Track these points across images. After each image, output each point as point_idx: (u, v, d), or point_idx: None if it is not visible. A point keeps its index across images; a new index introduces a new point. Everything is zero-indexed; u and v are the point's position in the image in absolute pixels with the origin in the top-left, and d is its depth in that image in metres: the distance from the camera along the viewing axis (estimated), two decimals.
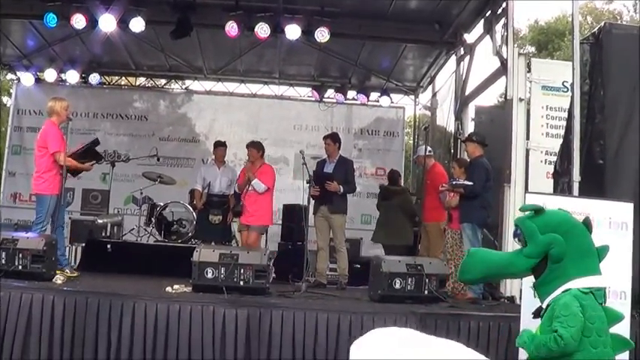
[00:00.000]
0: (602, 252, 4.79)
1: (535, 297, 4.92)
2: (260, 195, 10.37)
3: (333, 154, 10.58)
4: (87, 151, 9.54)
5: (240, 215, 10.79)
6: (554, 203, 5.29)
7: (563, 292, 4.60)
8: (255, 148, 10.72)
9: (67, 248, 10.40)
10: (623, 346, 4.75)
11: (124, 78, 16.64)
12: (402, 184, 12.38)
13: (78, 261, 11.19)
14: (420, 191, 10.76)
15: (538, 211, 4.83)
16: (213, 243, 10.35)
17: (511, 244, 8.02)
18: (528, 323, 5.94)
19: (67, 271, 8.74)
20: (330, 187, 10.07)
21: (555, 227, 4.73)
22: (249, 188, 10.37)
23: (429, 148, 11.40)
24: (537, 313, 4.84)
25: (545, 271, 4.71)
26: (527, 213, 4.94)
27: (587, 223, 4.85)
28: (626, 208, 6.30)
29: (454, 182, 9.53)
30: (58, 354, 6.89)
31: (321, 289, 9.54)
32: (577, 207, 5.92)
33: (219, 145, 12.08)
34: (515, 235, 4.94)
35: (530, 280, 5.02)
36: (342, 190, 10.21)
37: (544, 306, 4.74)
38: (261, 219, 10.51)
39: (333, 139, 10.73)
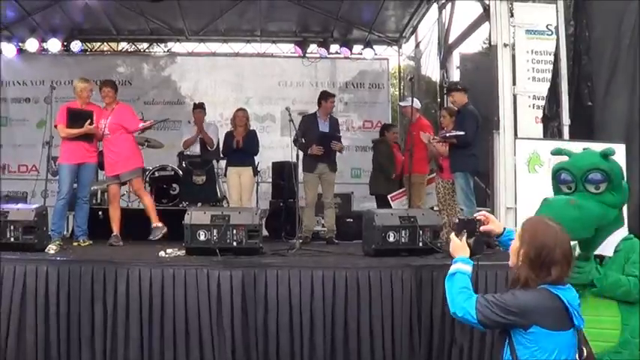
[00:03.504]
0: None
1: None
2: (120, 137, 9.48)
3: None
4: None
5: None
6: (546, 148, 5.17)
7: (624, 238, 4.20)
8: (108, 87, 9.92)
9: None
10: None
11: (106, 44, 16.44)
12: (387, 135, 12.36)
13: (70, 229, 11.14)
14: (406, 142, 10.67)
15: (608, 155, 4.24)
16: (199, 204, 10.28)
17: (503, 193, 8.02)
18: None
19: (81, 240, 9.14)
20: (336, 147, 10.16)
21: (621, 172, 4.31)
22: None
23: (417, 101, 11.26)
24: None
25: None
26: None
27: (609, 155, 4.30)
28: (618, 150, 6.22)
29: (447, 134, 9.48)
30: (55, 324, 6.87)
31: (311, 245, 9.54)
32: None
33: (196, 108, 12.02)
34: (593, 181, 4.16)
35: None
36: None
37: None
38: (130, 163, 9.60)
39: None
